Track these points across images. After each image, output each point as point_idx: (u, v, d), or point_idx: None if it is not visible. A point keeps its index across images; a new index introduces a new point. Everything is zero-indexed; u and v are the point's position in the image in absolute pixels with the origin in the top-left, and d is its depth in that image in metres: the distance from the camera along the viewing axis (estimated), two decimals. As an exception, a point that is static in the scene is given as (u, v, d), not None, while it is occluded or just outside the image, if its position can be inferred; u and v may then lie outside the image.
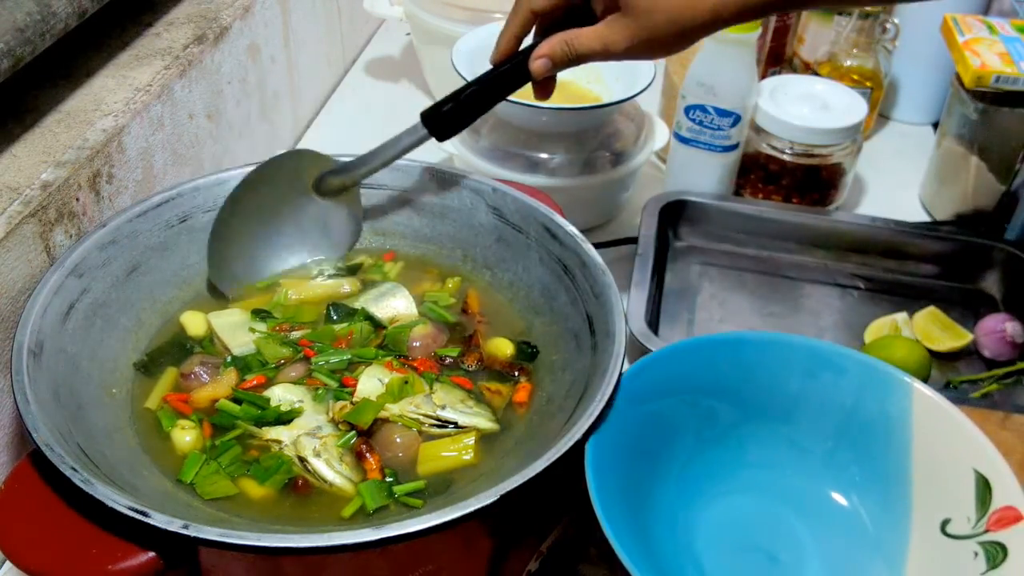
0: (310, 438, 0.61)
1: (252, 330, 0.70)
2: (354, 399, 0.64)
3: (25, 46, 0.66)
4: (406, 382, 0.65)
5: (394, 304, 0.72)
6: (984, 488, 0.60)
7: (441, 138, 0.71)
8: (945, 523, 0.61)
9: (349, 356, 0.68)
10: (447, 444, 0.62)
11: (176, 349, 0.69)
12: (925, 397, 0.64)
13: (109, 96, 0.77)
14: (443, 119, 0.70)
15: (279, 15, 1.04)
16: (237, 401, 0.64)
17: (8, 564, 0.57)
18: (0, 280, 0.63)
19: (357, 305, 0.72)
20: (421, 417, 0.63)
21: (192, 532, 0.49)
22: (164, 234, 0.71)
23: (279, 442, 0.61)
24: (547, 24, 0.67)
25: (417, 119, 0.71)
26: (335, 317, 0.71)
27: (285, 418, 0.63)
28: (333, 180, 0.75)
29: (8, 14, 0.66)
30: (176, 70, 0.83)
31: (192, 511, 0.57)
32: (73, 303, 0.64)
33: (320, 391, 0.65)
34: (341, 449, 0.61)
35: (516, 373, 0.68)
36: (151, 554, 0.51)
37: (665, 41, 0.61)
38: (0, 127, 0.72)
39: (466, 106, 0.69)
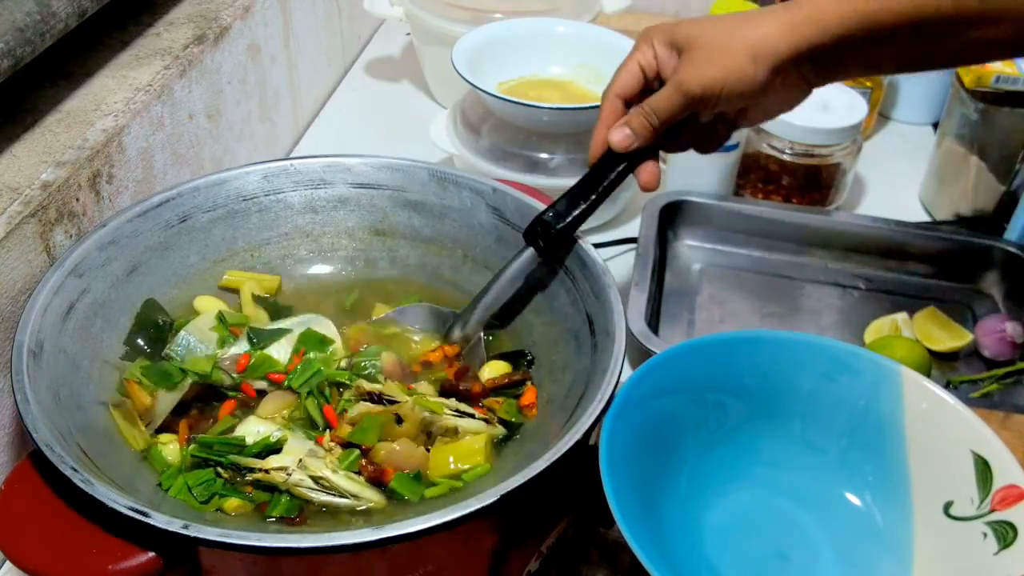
0: (314, 459, 0.60)
1: (216, 329, 0.69)
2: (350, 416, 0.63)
3: (25, 46, 0.66)
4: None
5: (321, 329, 0.70)
6: (984, 468, 0.60)
7: (548, 253, 0.68)
8: (948, 506, 0.62)
9: (321, 372, 0.66)
10: (457, 448, 0.62)
11: (155, 331, 0.68)
12: (915, 383, 0.64)
13: (109, 96, 0.77)
14: (554, 237, 0.67)
15: (279, 15, 1.04)
16: (208, 444, 0.61)
17: (8, 564, 0.57)
18: (0, 280, 0.63)
19: (284, 326, 0.70)
20: (441, 403, 0.62)
21: (192, 532, 0.49)
22: (164, 234, 0.71)
23: (285, 468, 0.59)
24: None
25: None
26: (256, 341, 0.69)
27: (275, 447, 0.61)
28: (455, 333, 0.71)
29: (8, 14, 0.66)
30: (176, 70, 0.83)
31: (192, 511, 0.57)
32: (73, 303, 0.64)
33: (291, 422, 0.63)
34: (346, 470, 0.60)
35: (520, 385, 0.68)
36: (151, 554, 0.51)
37: (731, 72, 0.62)
38: (0, 127, 0.72)
39: (578, 219, 0.67)
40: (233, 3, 0.93)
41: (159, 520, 0.50)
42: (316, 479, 0.59)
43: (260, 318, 0.72)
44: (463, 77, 0.94)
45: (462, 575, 0.59)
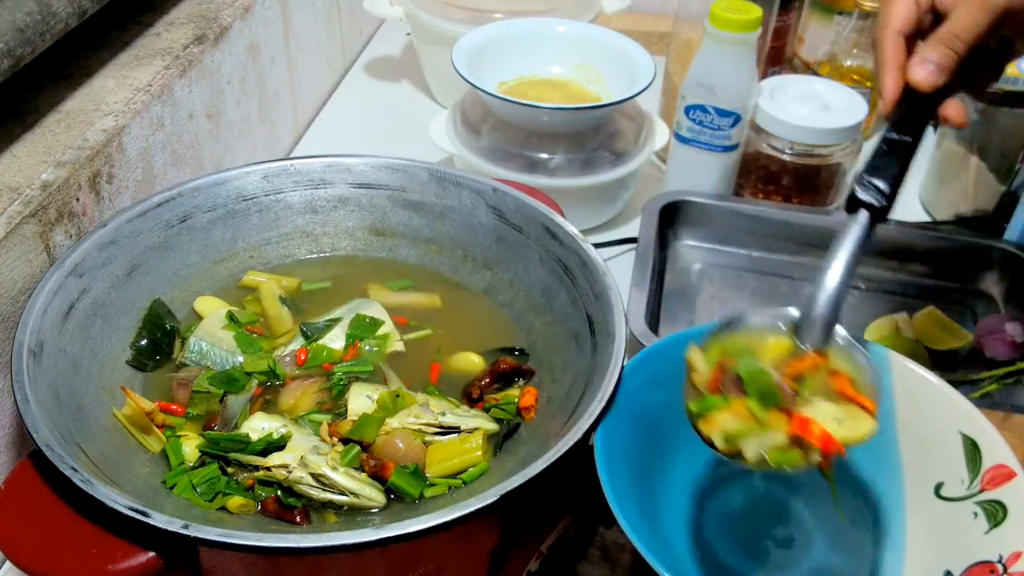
0: (315, 455, 0.60)
1: (230, 329, 0.70)
2: (348, 417, 0.63)
3: (25, 46, 0.66)
4: (397, 396, 0.64)
5: (370, 312, 0.72)
6: (973, 449, 0.61)
7: (884, 219, 0.60)
8: (939, 487, 0.63)
9: (370, 367, 0.68)
10: (455, 445, 0.62)
11: (162, 336, 0.69)
12: (903, 366, 0.65)
13: (109, 96, 0.77)
14: (891, 196, 0.59)
15: (279, 15, 1.04)
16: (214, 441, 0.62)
17: (8, 564, 0.57)
18: (0, 280, 0.63)
19: (334, 316, 0.72)
20: (423, 427, 0.62)
21: (192, 532, 0.49)
22: (164, 234, 0.71)
23: (286, 466, 0.59)
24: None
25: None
26: (309, 335, 0.70)
27: (277, 444, 0.61)
28: (812, 334, 0.58)
29: (8, 14, 0.66)
30: (176, 70, 0.83)
31: (192, 511, 0.57)
32: (73, 303, 0.64)
33: (300, 417, 0.64)
34: (347, 466, 0.60)
35: (518, 379, 0.68)
36: (151, 554, 0.51)
37: None
38: (0, 127, 0.72)
39: (902, 176, 0.59)
40: (233, 3, 0.94)
41: (159, 520, 0.50)
42: (316, 476, 0.59)
43: (284, 318, 0.72)
44: (463, 77, 0.94)
45: (462, 575, 0.59)
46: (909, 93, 0.61)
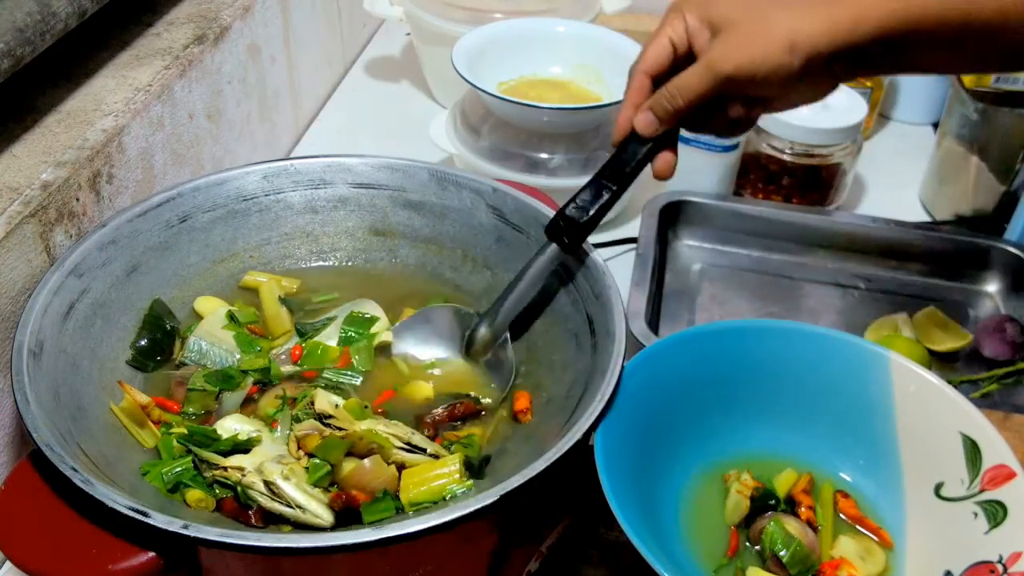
0: (275, 464, 0.58)
1: (230, 328, 0.70)
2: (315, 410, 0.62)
3: (25, 46, 0.66)
4: (366, 406, 0.64)
5: (368, 310, 0.72)
6: (973, 449, 0.61)
7: (573, 248, 0.66)
8: (939, 487, 0.63)
9: (363, 371, 0.68)
10: (431, 468, 0.60)
11: (162, 336, 0.69)
12: (903, 367, 0.65)
13: (109, 96, 0.77)
14: (580, 231, 0.65)
15: (279, 15, 1.04)
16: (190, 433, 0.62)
17: (8, 564, 0.57)
18: (0, 280, 0.63)
19: (331, 315, 0.72)
20: (391, 437, 0.60)
21: (192, 532, 0.49)
22: (164, 234, 0.71)
23: (241, 469, 0.58)
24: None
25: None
26: (304, 333, 0.70)
27: (244, 447, 0.60)
28: (480, 336, 0.69)
29: (8, 14, 0.66)
30: (176, 70, 0.83)
31: (191, 511, 0.57)
32: (73, 303, 0.64)
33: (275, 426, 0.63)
34: (316, 484, 0.58)
35: (459, 422, 0.66)
36: (151, 554, 0.51)
37: (761, 57, 0.58)
38: (0, 127, 0.72)
39: (602, 210, 0.65)
40: (233, 3, 0.94)
41: (159, 520, 0.50)
42: (268, 484, 0.57)
43: (283, 318, 0.72)
44: (463, 77, 0.94)
45: (462, 575, 0.59)
46: (635, 133, 0.65)
